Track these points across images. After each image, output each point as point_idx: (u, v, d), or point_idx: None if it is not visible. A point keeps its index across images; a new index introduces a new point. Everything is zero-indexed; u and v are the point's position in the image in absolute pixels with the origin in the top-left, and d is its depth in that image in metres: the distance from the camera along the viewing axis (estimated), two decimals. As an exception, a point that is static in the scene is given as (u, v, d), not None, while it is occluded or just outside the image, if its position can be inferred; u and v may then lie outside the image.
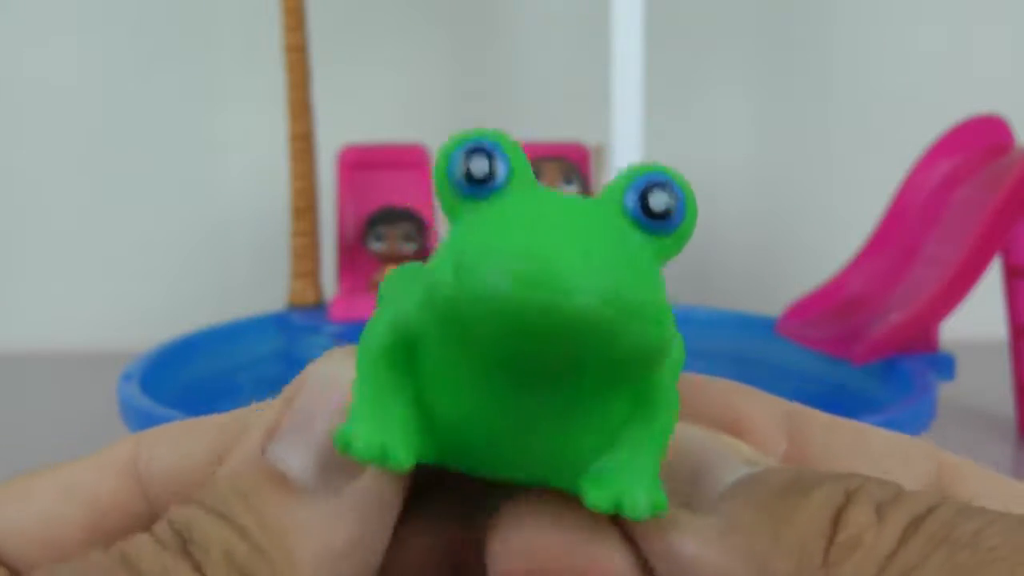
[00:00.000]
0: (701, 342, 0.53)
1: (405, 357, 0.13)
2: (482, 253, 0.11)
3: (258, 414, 0.14)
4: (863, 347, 0.46)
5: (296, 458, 0.13)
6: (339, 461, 0.13)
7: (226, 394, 0.49)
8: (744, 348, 0.53)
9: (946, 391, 0.47)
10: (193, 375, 0.49)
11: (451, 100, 0.73)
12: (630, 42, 0.53)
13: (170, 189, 0.72)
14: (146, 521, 0.15)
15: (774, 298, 0.62)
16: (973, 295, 0.46)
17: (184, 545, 0.12)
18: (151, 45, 0.71)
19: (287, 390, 0.14)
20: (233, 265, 0.73)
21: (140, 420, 0.39)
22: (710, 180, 0.73)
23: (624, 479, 0.13)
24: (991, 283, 0.48)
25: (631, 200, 0.12)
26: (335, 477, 0.13)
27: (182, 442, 0.15)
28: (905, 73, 0.72)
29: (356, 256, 0.59)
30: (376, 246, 0.57)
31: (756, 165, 0.73)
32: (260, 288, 0.67)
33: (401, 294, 0.13)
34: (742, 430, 0.15)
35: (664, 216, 0.12)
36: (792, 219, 0.74)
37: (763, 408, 0.15)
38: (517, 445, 0.13)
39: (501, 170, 0.12)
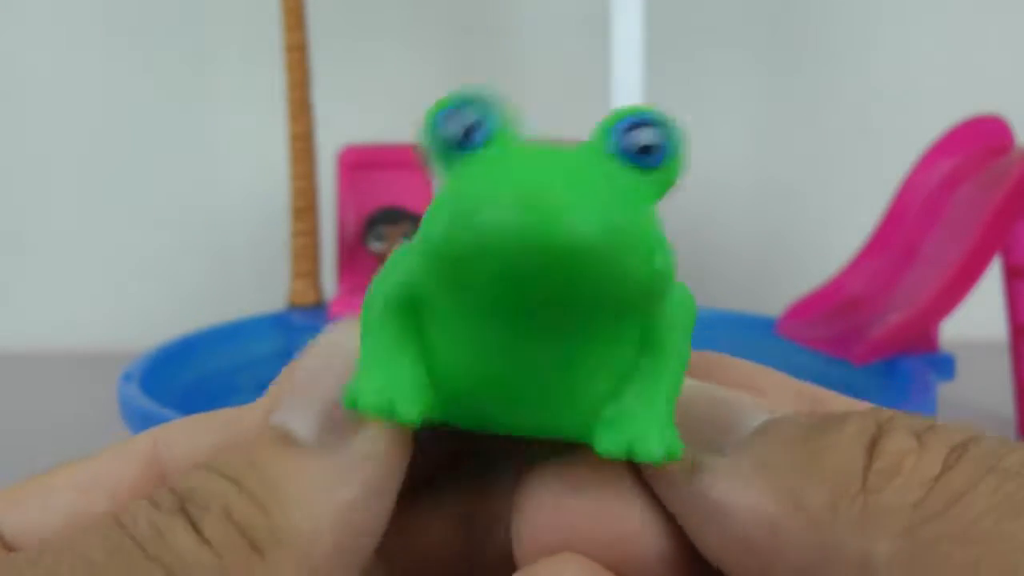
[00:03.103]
0: (701, 342, 0.53)
1: (409, 314, 0.13)
2: (473, 191, 0.11)
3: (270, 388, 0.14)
4: (863, 347, 0.46)
5: (300, 420, 0.13)
6: (343, 422, 0.13)
7: (226, 394, 0.49)
8: (744, 348, 0.53)
9: (946, 391, 0.47)
10: (193, 375, 0.49)
11: (451, 100, 0.73)
12: (630, 42, 0.53)
13: (170, 189, 0.72)
14: None
15: (774, 298, 0.62)
16: (973, 295, 0.46)
17: (182, 504, 0.12)
18: (151, 45, 0.71)
19: (293, 361, 0.14)
20: (233, 265, 0.72)
21: (140, 420, 0.39)
22: (710, 180, 0.73)
23: (636, 424, 0.13)
24: (991, 283, 0.48)
25: (615, 139, 0.12)
26: (339, 437, 0.13)
27: (196, 434, 0.15)
28: (905, 73, 0.72)
29: (356, 256, 0.59)
30: (376, 246, 0.57)
31: (756, 165, 0.73)
32: (260, 288, 0.67)
33: (404, 258, 0.13)
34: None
35: (649, 151, 0.12)
36: (792, 219, 0.74)
37: (782, 386, 0.15)
38: (524, 395, 0.13)
39: (486, 123, 0.12)
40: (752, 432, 0.13)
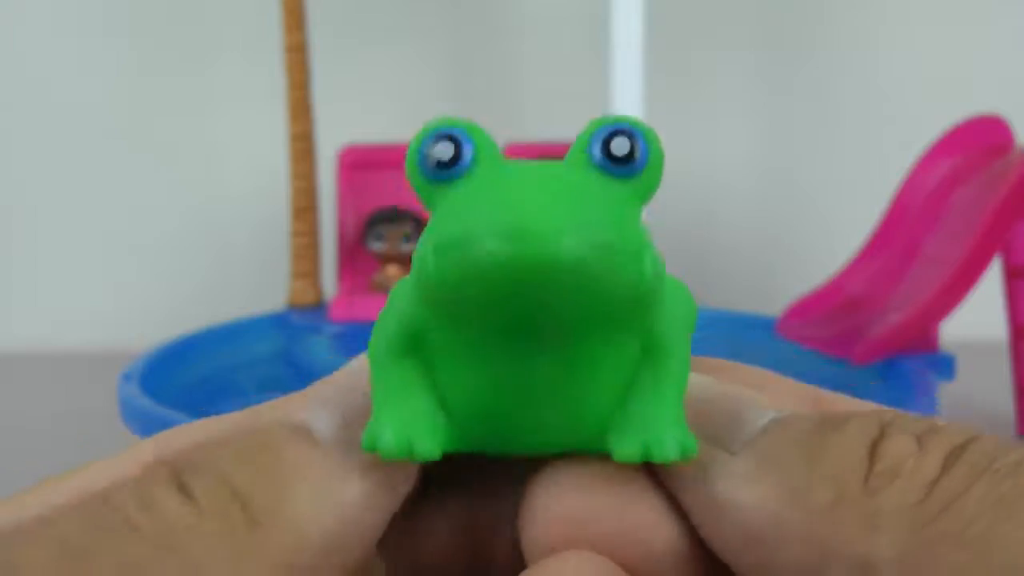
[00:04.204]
0: (701, 342, 0.53)
1: (415, 348, 0.13)
2: (459, 223, 0.12)
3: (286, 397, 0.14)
4: (863, 347, 0.46)
5: (318, 418, 0.13)
6: (359, 429, 0.13)
7: (226, 394, 0.49)
8: (744, 348, 0.53)
9: (946, 391, 0.47)
10: (193, 375, 0.49)
11: (451, 100, 0.73)
12: (630, 42, 0.53)
13: (170, 189, 0.72)
14: None
15: (774, 298, 0.62)
16: (973, 295, 0.46)
17: (175, 472, 0.12)
18: (151, 45, 0.71)
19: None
20: (233, 265, 0.73)
21: (140, 420, 0.39)
22: (710, 180, 0.73)
23: (649, 427, 0.13)
24: (991, 283, 0.48)
25: (595, 150, 0.13)
26: (355, 441, 0.13)
27: (201, 436, 0.15)
28: (905, 73, 0.72)
29: (356, 256, 0.59)
30: (376, 246, 0.57)
31: (756, 165, 0.73)
32: (260, 288, 0.67)
33: (403, 293, 0.13)
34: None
35: (628, 159, 0.13)
36: (792, 219, 0.74)
37: (786, 389, 0.15)
38: (535, 414, 0.13)
39: (466, 152, 0.13)
40: (759, 430, 0.13)
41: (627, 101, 0.53)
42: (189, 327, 0.54)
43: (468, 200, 0.12)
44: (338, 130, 0.63)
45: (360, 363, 0.14)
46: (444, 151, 0.13)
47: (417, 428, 0.13)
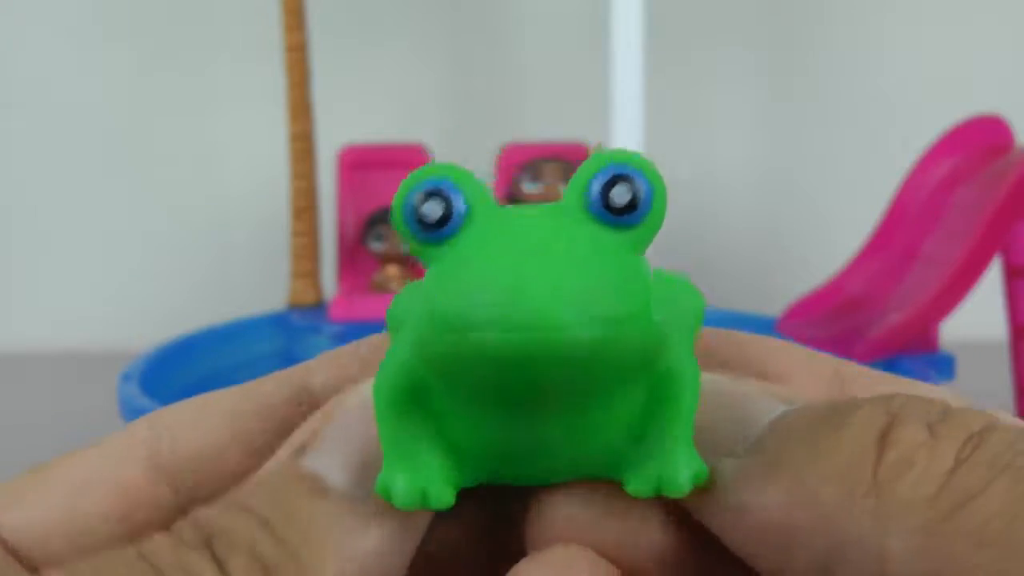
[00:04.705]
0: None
1: (419, 398, 0.13)
2: (457, 298, 0.11)
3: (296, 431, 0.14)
4: (863, 347, 0.46)
5: (330, 466, 0.13)
6: (372, 471, 0.13)
7: (226, 394, 0.49)
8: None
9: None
10: (193, 375, 0.49)
11: (451, 100, 0.73)
12: (630, 42, 0.53)
13: (170, 189, 0.72)
14: (172, 506, 0.15)
15: (774, 298, 0.62)
16: (973, 295, 0.46)
17: (207, 540, 0.12)
18: (151, 45, 0.71)
19: (319, 412, 0.14)
20: (233, 265, 0.72)
21: (140, 420, 0.39)
22: (710, 180, 0.72)
23: (659, 460, 0.13)
24: (991, 283, 0.48)
25: (594, 196, 0.12)
26: (368, 484, 0.13)
27: (200, 424, 0.15)
28: (905, 73, 0.72)
29: (356, 256, 0.59)
30: (376, 246, 0.57)
31: (756, 165, 0.73)
32: (260, 288, 0.67)
33: (404, 325, 0.13)
34: (779, 382, 0.14)
35: (629, 209, 0.12)
36: (792, 219, 0.74)
37: (805, 364, 0.15)
38: (545, 459, 0.13)
39: (457, 207, 0.12)
40: (765, 428, 0.13)
41: (627, 101, 0.53)
42: (189, 327, 0.54)
43: (465, 268, 0.11)
44: (338, 130, 0.63)
45: (363, 392, 0.14)
46: (433, 210, 0.12)
47: (429, 476, 0.13)
